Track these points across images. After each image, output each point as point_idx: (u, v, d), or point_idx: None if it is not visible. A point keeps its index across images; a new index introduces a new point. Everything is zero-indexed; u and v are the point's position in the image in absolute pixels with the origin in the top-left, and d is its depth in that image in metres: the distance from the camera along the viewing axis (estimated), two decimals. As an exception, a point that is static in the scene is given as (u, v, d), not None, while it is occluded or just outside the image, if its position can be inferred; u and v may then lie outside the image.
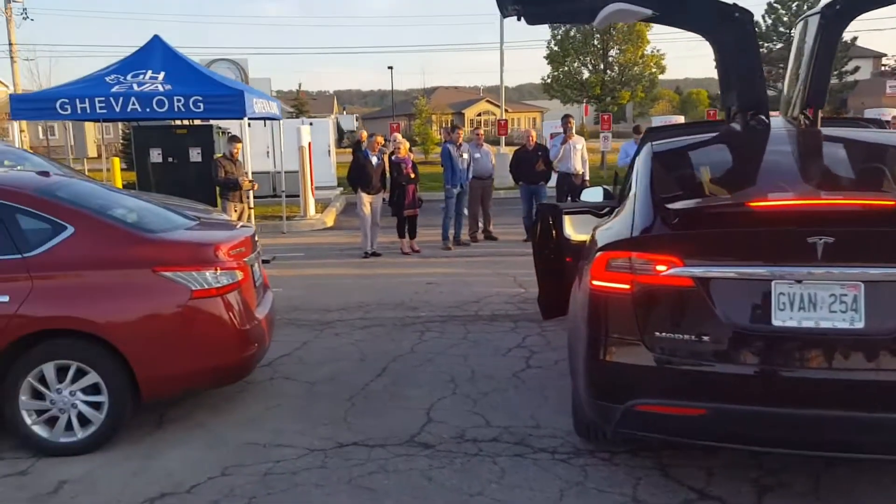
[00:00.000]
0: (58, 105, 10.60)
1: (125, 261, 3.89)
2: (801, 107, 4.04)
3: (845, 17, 3.89)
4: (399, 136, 10.80)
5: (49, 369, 3.80)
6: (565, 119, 11.29)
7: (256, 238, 4.79)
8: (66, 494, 3.48)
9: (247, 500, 3.38)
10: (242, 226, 5.31)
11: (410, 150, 10.80)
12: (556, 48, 30.93)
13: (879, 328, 2.77)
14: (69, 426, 3.85)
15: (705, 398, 2.92)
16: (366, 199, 9.92)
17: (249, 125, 11.61)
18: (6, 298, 3.72)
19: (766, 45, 35.98)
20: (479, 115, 59.42)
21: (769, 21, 37.91)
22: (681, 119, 21.37)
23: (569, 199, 10.76)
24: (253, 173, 11.31)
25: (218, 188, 10.34)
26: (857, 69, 37.80)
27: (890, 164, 3.73)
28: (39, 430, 3.84)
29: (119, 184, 13.07)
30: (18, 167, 7.56)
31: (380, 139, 10.36)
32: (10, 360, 3.77)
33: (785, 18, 36.41)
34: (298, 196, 13.93)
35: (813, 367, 2.87)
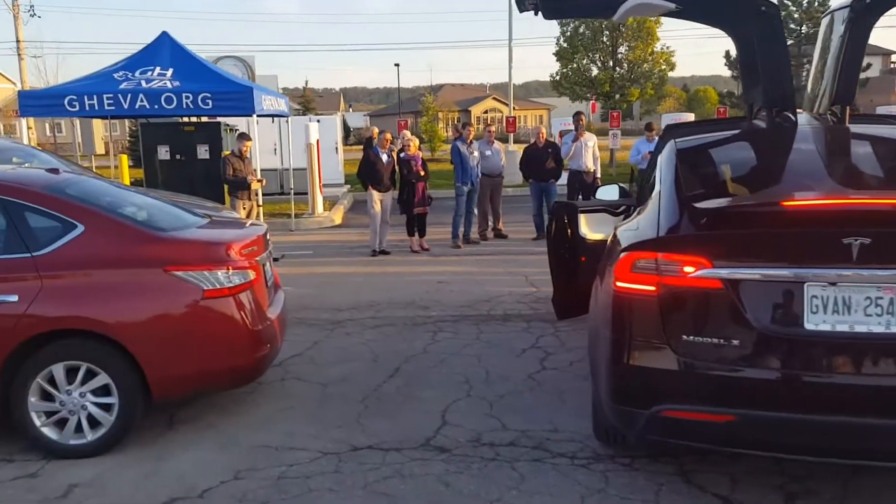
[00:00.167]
0: (66, 102, 10.58)
1: (136, 260, 3.81)
2: (829, 104, 3.93)
3: (875, 10, 3.78)
4: (408, 134, 10.72)
5: (59, 370, 3.74)
6: (577, 116, 11.18)
7: (268, 236, 4.71)
8: (77, 498, 3.42)
9: (260, 505, 3.31)
10: (252, 224, 5.23)
11: (419, 147, 10.71)
12: (565, 45, 30.70)
13: None
14: (79, 428, 3.78)
15: (734, 404, 2.83)
16: (376, 196, 9.83)
17: (258, 122, 11.55)
18: (15, 298, 3.65)
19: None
20: (486, 112, 59.26)
21: (778, 17, 37.50)
22: (691, 117, 21.18)
23: (580, 196, 10.67)
24: (261, 170, 11.24)
25: (226, 186, 10.28)
26: (868, 66, 37.50)
27: None
28: (49, 432, 3.78)
29: (127, 181, 13.05)
30: (26, 164, 7.51)
31: (388, 136, 10.28)
32: (19, 360, 3.71)
33: (796, 15, 36.08)
34: (306, 193, 13.87)
35: (847, 373, 2.78)
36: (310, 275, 8.62)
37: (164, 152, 12.19)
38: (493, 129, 11.49)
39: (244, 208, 9.89)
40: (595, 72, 31.15)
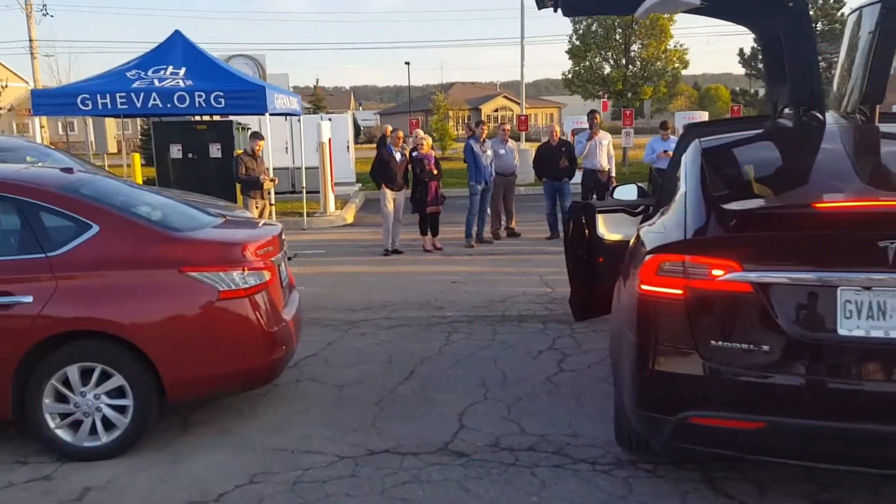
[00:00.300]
0: (79, 100, 10.58)
1: (151, 260, 3.77)
2: (857, 102, 3.82)
3: None
4: (421, 132, 10.64)
5: (73, 372, 3.70)
6: (591, 114, 11.08)
7: (283, 237, 4.66)
8: (91, 501, 3.38)
9: (277, 510, 3.26)
10: (265, 223, 5.18)
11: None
12: (577, 43, 30.58)
13: None
14: (93, 430, 3.74)
15: (765, 411, 2.74)
16: (389, 195, 9.77)
17: (269, 121, 11.52)
18: (30, 299, 3.62)
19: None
20: (496, 110, 59.14)
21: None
22: (705, 115, 20.98)
23: (594, 196, 10.57)
24: (273, 169, 11.22)
25: (238, 185, 10.26)
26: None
27: None
28: (63, 435, 3.74)
29: (139, 179, 13.07)
30: (40, 163, 7.50)
31: (400, 134, 10.22)
32: (34, 362, 3.67)
33: (811, 12, 35.78)
34: (318, 192, 13.85)
35: (882, 380, 2.69)
36: (322, 274, 8.58)
37: (176, 151, 12.20)
38: (507, 127, 11.39)
39: (257, 207, 9.86)
40: (608, 70, 31.00)
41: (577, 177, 11.00)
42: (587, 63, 30.74)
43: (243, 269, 3.86)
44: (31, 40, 26.38)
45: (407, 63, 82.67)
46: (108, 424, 3.75)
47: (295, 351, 4.53)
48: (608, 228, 5.20)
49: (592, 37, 30.00)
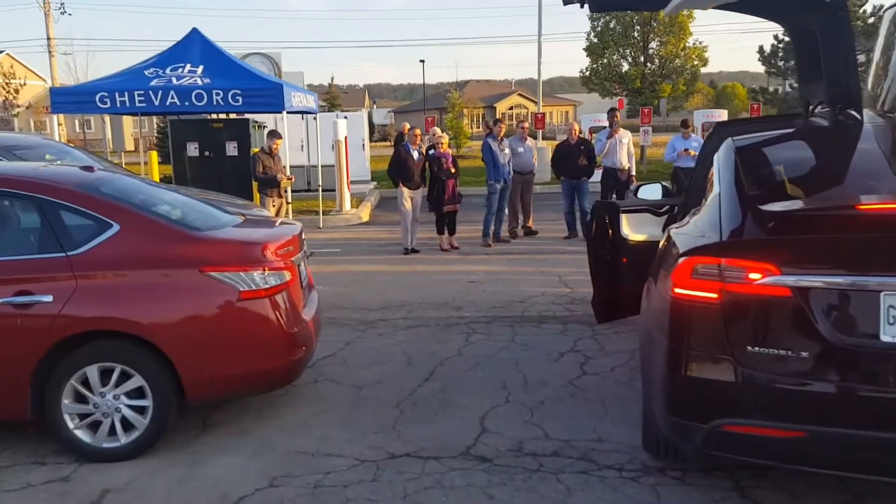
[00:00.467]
0: (97, 98, 10.60)
1: (171, 260, 3.72)
2: (894, 102, 3.70)
3: None
4: (439, 131, 10.55)
5: (93, 372, 3.66)
6: (611, 112, 10.96)
7: (303, 236, 4.61)
8: (110, 503, 3.34)
9: (298, 515, 3.20)
10: (282, 222, 5.13)
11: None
12: (595, 40, 30.33)
13: None
14: (112, 431, 3.71)
15: (804, 419, 2.65)
16: (407, 193, 9.71)
17: (285, 119, 11.49)
18: (50, 298, 3.58)
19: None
20: (511, 108, 58.91)
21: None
22: (724, 114, 20.73)
23: (614, 195, 10.45)
24: (289, 167, 11.19)
25: (255, 183, 10.24)
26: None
27: None
28: (82, 435, 3.71)
29: (157, 177, 13.10)
30: (59, 161, 7.50)
31: (417, 132, 10.15)
32: (53, 361, 3.64)
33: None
34: (333, 190, 13.81)
35: None
36: (339, 273, 8.53)
37: (192, 149, 12.19)
38: (525, 125, 11.29)
39: (274, 206, 9.84)
40: (626, 67, 30.76)
41: (596, 175, 10.89)
42: (605, 60, 30.51)
43: (264, 270, 3.81)
44: (48, 38, 26.60)
45: (422, 61, 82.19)
46: (128, 425, 3.72)
47: (314, 351, 4.49)
48: (632, 229, 5.10)
49: (611, 34, 29.77)
